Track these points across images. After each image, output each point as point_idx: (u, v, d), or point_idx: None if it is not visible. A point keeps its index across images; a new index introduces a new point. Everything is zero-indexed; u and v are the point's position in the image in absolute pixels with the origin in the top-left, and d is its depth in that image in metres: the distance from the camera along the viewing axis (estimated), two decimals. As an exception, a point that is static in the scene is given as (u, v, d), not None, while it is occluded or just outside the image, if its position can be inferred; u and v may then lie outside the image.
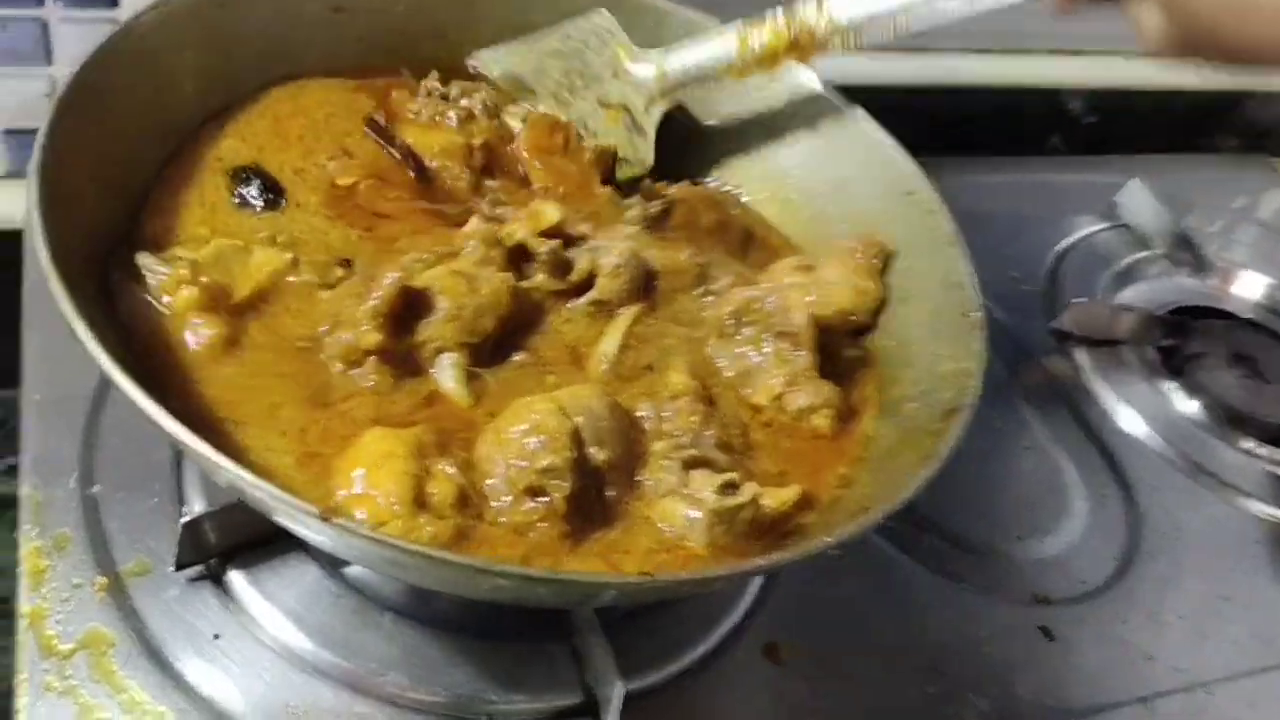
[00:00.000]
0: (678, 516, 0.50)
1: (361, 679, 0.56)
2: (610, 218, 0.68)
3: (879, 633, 0.66)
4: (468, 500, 0.48)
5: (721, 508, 0.50)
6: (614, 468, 0.50)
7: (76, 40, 0.76)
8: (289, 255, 0.57)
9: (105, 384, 0.64)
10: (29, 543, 0.57)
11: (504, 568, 0.43)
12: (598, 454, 0.50)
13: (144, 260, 0.54)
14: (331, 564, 0.60)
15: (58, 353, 0.65)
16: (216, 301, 0.53)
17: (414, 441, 0.48)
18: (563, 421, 0.49)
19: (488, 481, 0.49)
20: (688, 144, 0.76)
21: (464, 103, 0.69)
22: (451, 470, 0.47)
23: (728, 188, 0.76)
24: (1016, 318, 0.93)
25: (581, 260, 0.59)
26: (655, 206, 0.69)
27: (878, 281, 0.66)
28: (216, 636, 0.56)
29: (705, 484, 0.51)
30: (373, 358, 0.50)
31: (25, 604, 0.54)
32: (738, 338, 0.61)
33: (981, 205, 1.04)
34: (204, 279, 0.53)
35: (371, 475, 0.47)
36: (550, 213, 0.60)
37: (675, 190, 0.71)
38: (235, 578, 0.58)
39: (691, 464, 0.52)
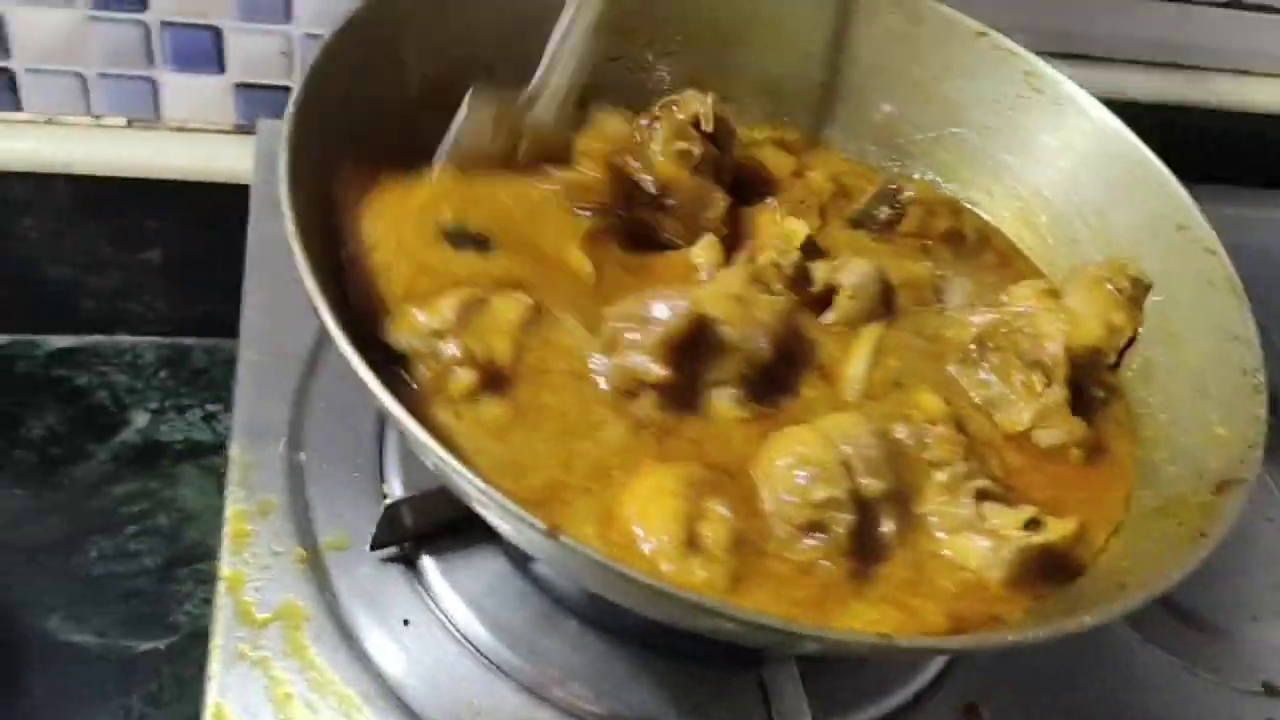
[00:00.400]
0: (978, 554, 0.46)
1: (542, 684, 0.55)
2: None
3: (1089, 705, 0.61)
4: (743, 541, 0.45)
5: (1028, 544, 0.46)
6: (889, 499, 0.46)
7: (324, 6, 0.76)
8: (527, 299, 0.51)
9: (319, 347, 0.64)
10: (235, 505, 0.57)
11: (728, 609, 0.40)
12: (871, 485, 0.46)
13: (407, 341, 0.49)
14: (521, 559, 0.58)
15: (276, 313, 0.65)
16: (490, 377, 0.48)
17: (687, 478, 0.45)
18: (830, 451, 0.45)
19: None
20: (923, 149, 0.71)
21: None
22: (725, 511, 0.44)
23: (967, 203, 0.71)
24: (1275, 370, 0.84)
25: (819, 272, 0.55)
26: (885, 212, 0.65)
27: (1132, 316, 0.60)
28: (406, 622, 0.55)
29: (1006, 519, 0.47)
30: (653, 392, 0.47)
31: (226, 567, 0.54)
32: (984, 363, 0.56)
33: (1258, 242, 0.95)
34: (474, 353, 0.48)
35: (643, 512, 0.44)
36: (799, 229, 0.56)
37: (912, 192, 0.66)
38: (428, 563, 0.57)
39: (982, 496, 0.48)
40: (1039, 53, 0.69)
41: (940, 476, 0.48)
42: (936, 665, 0.60)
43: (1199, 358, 0.58)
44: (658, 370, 0.47)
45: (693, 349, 0.48)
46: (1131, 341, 0.60)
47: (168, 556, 0.80)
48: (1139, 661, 0.64)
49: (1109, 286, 0.60)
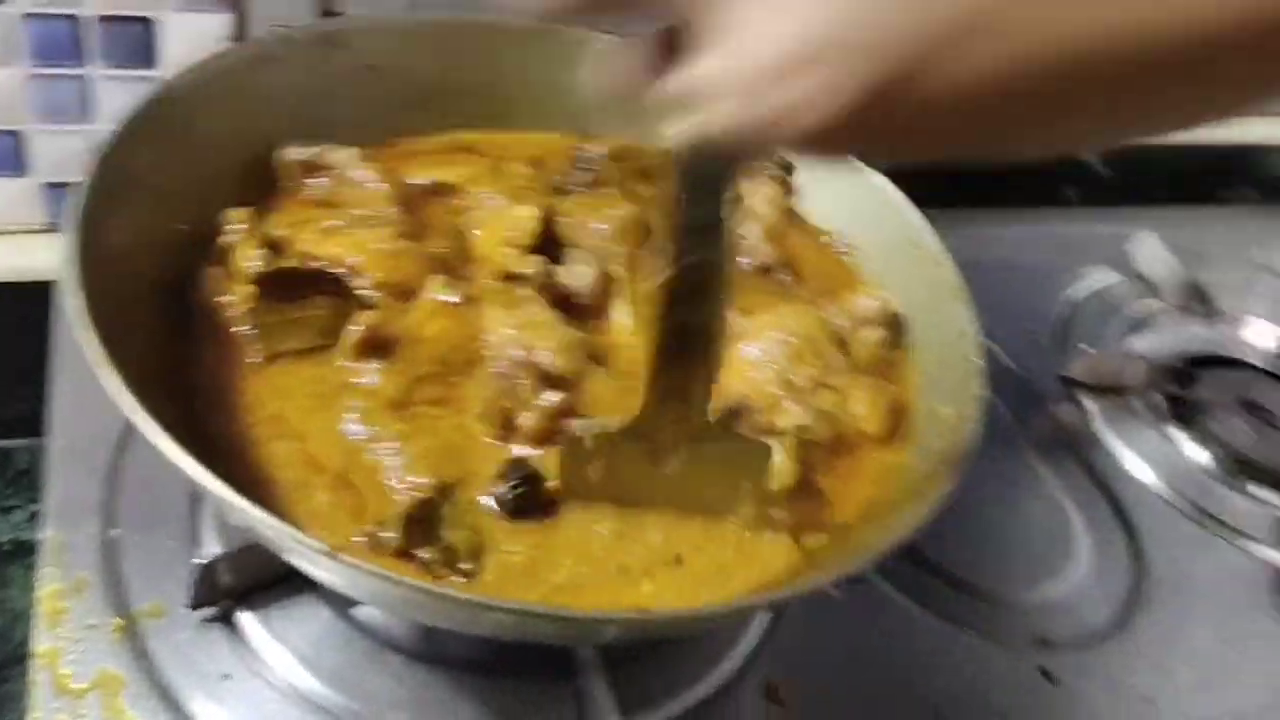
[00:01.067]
0: None
1: (368, 718, 0.58)
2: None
3: (881, 676, 0.67)
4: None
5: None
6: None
7: (117, 98, 0.79)
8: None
9: (128, 430, 0.66)
10: (48, 585, 0.58)
11: (506, 603, 0.45)
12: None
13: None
14: (342, 605, 0.61)
15: (84, 400, 0.67)
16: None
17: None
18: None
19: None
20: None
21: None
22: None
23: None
24: (1026, 366, 0.93)
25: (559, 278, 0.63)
26: (583, 176, 0.72)
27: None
28: (226, 677, 0.57)
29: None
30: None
31: (42, 643, 0.56)
32: None
33: (996, 256, 1.06)
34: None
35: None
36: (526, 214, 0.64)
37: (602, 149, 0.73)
38: (246, 619, 0.60)
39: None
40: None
41: None
42: (741, 652, 0.65)
43: (936, 355, 0.66)
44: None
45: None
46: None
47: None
48: (922, 631, 0.70)
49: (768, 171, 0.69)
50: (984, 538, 0.77)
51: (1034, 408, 0.90)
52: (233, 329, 0.58)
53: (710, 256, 0.47)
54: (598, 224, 0.66)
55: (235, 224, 0.61)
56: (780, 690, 0.64)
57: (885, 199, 0.73)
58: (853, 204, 0.74)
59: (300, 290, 0.58)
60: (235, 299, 0.58)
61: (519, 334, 0.58)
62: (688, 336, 0.49)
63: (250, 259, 0.58)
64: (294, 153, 0.67)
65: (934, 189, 0.90)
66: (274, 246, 0.60)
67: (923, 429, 0.62)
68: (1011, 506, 0.81)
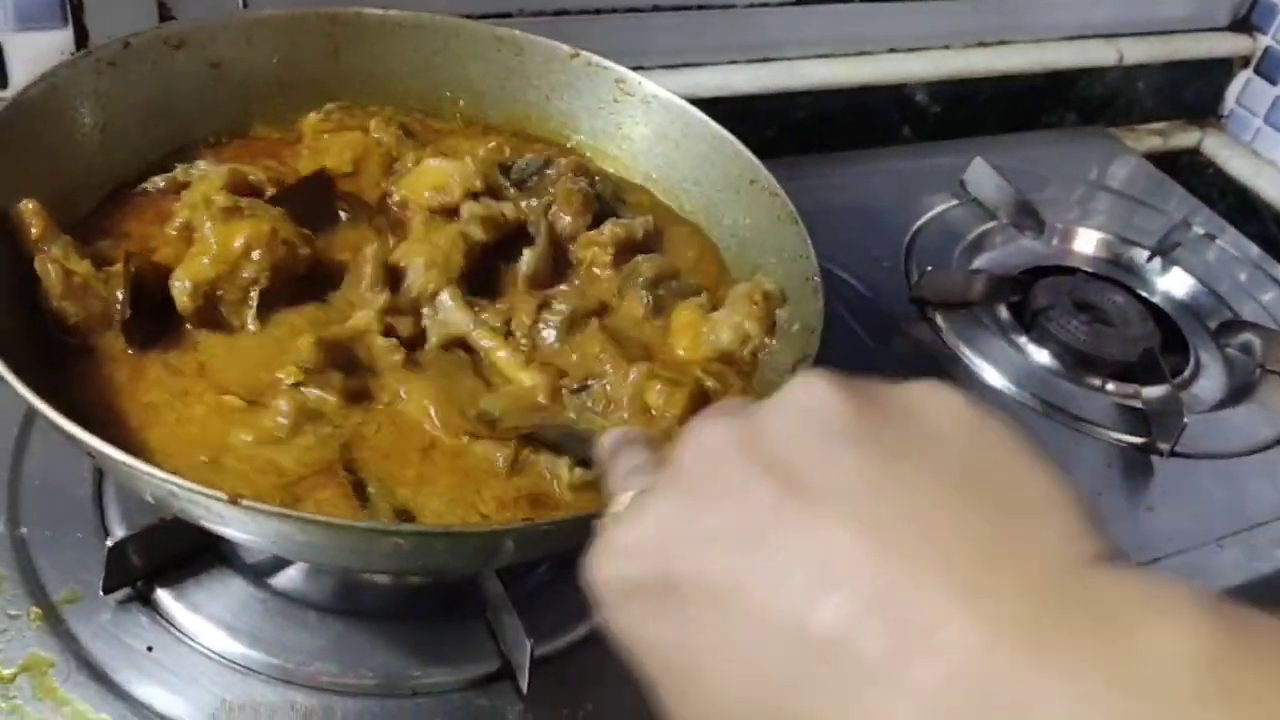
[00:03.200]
0: None
1: (292, 671, 0.61)
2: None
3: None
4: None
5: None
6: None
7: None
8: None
9: (25, 433, 0.68)
10: (-37, 584, 0.60)
11: (401, 527, 0.49)
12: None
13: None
14: (255, 574, 0.64)
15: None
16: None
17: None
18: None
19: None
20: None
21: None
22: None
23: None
24: (880, 292, 1.00)
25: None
26: (535, 176, 0.77)
27: (762, 325, 0.69)
28: (150, 649, 0.60)
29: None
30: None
31: (-36, 638, 0.58)
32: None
33: (842, 197, 1.14)
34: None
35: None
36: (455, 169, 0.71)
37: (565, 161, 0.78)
38: (163, 596, 0.62)
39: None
40: (640, 68, 0.83)
41: None
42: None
43: (778, 279, 0.71)
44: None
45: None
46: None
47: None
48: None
49: (749, 302, 0.70)
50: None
51: (891, 329, 0.97)
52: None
53: None
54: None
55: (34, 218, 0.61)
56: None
57: (724, 144, 0.78)
58: (693, 152, 0.80)
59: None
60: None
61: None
62: None
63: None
64: (154, 182, 0.70)
65: (774, 138, 0.97)
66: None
67: (773, 350, 0.68)
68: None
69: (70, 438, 0.47)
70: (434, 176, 0.71)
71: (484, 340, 0.64)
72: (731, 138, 0.78)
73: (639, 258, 0.73)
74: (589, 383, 0.63)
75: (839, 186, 1.13)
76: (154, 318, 0.60)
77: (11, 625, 0.59)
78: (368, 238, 0.69)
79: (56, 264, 0.58)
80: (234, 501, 0.46)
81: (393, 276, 0.66)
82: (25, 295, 0.59)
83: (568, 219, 0.73)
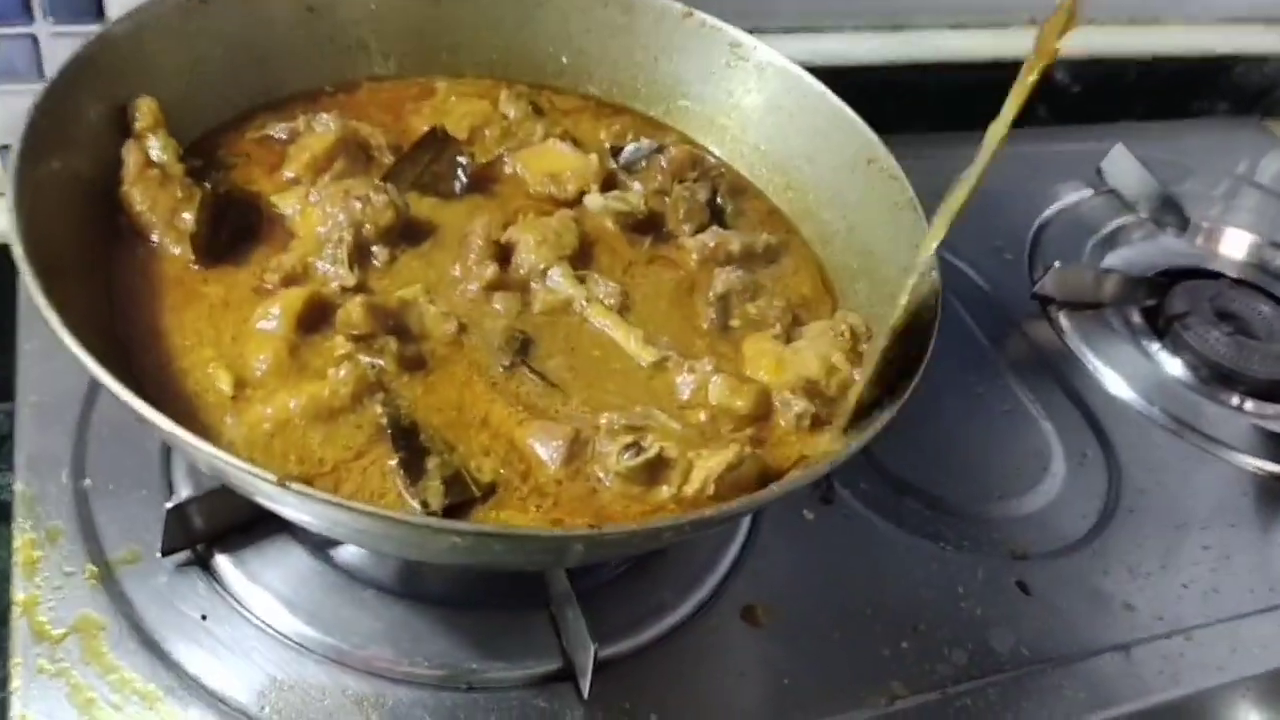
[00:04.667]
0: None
1: (346, 653, 0.58)
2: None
3: (857, 593, 0.67)
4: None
5: (624, 468, 0.53)
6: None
7: (66, 54, 0.78)
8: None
9: (96, 385, 0.66)
10: (22, 535, 0.59)
11: (459, 525, 0.45)
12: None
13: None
14: (317, 544, 0.62)
15: (52, 357, 0.68)
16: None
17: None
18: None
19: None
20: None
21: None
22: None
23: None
24: (1000, 286, 0.93)
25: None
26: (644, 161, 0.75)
27: (849, 358, 0.63)
28: (204, 618, 0.58)
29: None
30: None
31: (19, 593, 0.56)
32: None
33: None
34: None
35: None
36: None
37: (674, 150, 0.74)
38: (222, 562, 0.60)
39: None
40: (756, 30, 0.77)
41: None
42: (717, 576, 0.66)
43: (893, 268, 0.65)
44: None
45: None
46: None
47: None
48: (902, 551, 0.71)
49: (833, 334, 0.64)
50: (961, 458, 0.78)
51: (1009, 327, 0.90)
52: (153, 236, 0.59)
53: None
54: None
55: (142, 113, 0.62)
56: (758, 612, 0.65)
57: (842, 119, 0.72)
58: (808, 126, 0.74)
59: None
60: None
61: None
62: None
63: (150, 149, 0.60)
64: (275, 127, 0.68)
65: (897, 113, 0.90)
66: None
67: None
68: (987, 425, 0.81)
69: (133, 412, 0.44)
70: (554, 162, 0.70)
71: (597, 317, 0.62)
72: (851, 113, 0.72)
73: (720, 271, 0.67)
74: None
75: (962, 168, 1.05)
76: (227, 241, 0.60)
77: (66, 583, 0.58)
78: (480, 207, 0.67)
79: (140, 151, 0.59)
80: (282, 484, 0.43)
81: (502, 252, 0.63)
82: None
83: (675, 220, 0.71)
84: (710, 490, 0.52)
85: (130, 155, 0.59)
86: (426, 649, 0.59)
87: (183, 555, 0.60)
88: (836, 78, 0.75)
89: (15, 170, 0.52)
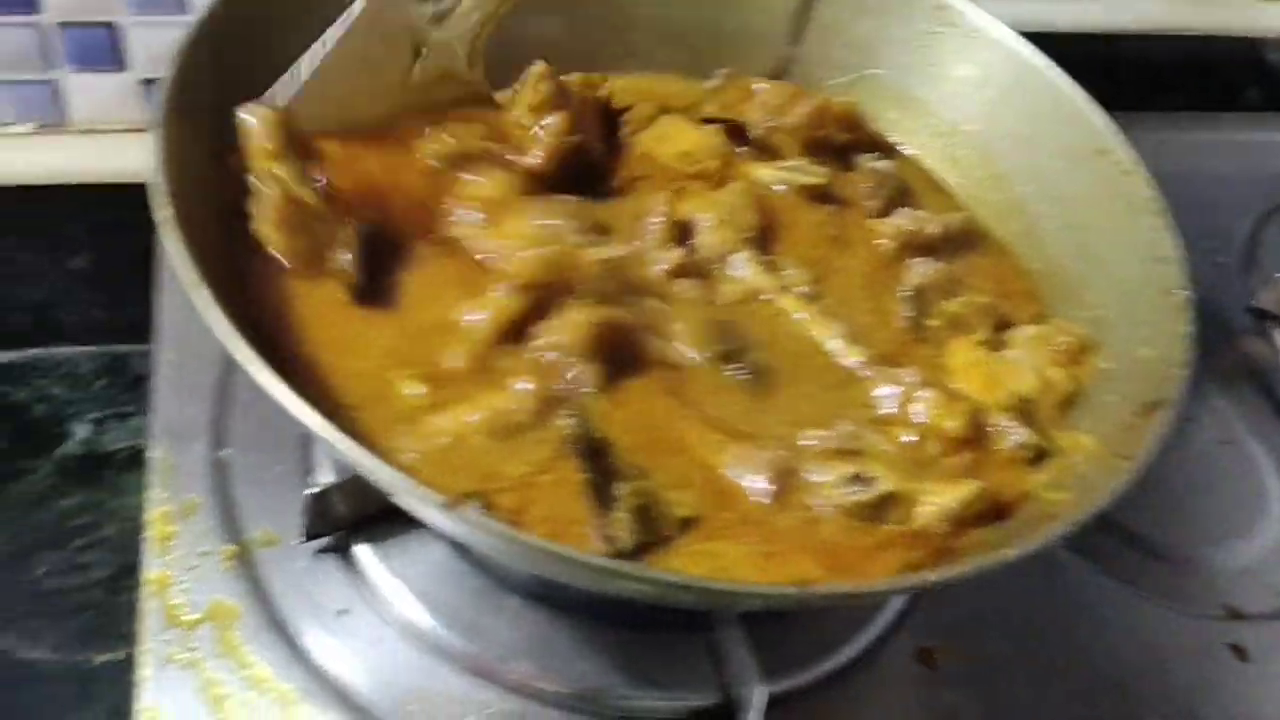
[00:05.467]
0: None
1: (487, 664, 0.54)
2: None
3: (1046, 642, 0.60)
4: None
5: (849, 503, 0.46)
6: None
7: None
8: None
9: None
10: (156, 507, 0.55)
11: (644, 572, 0.40)
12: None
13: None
14: (462, 544, 0.57)
15: (192, 310, 0.63)
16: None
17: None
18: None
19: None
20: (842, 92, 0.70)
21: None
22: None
23: (895, 143, 0.70)
24: (1209, 294, 0.82)
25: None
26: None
27: (1070, 374, 0.56)
28: (342, 612, 0.54)
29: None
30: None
31: (151, 570, 0.53)
32: None
33: (1169, 166, 0.94)
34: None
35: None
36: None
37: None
38: (362, 551, 0.56)
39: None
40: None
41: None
42: (891, 613, 0.59)
43: (1123, 280, 0.57)
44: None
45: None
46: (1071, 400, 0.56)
47: (118, 566, 0.78)
48: (1098, 595, 0.63)
49: (1047, 346, 0.57)
50: (1165, 490, 0.69)
51: (1219, 342, 0.81)
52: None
53: None
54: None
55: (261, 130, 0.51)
56: (935, 654, 0.58)
57: (1064, 100, 0.64)
58: (1024, 106, 0.65)
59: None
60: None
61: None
62: None
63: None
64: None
65: (1095, 89, 0.80)
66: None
67: (1114, 375, 0.54)
68: (1195, 454, 0.73)
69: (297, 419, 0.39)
70: (679, 140, 0.63)
71: (795, 312, 0.56)
72: (1076, 91, 0.64)
73: (914, 261, 0.60)
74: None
75: (1166, 157, 0.94)
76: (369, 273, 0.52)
77: (202, 563, 0.54)
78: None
79: (276, 186, 0.49)
80: (452, 508, 0.37)
81: (682, 233, 0.57)
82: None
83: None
84: (944, 529, 0.47)
85: (262, 190, 0.50)
86: (572, 668, 0.54)
87: (322, 541, 0.56)
88: (1051, 47, 0.66)
89: (164, 108, 0.47)
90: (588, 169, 0.59)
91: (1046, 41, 0.92)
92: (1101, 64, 0.97)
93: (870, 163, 0.65)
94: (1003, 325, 0.59)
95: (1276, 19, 1.03)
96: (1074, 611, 0.62)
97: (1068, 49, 0.94)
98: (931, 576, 0.42)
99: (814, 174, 0.63)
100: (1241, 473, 0.72)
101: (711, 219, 0.57)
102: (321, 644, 0.53)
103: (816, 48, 0.70)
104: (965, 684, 0.58)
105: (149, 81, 0.77)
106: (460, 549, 0.57)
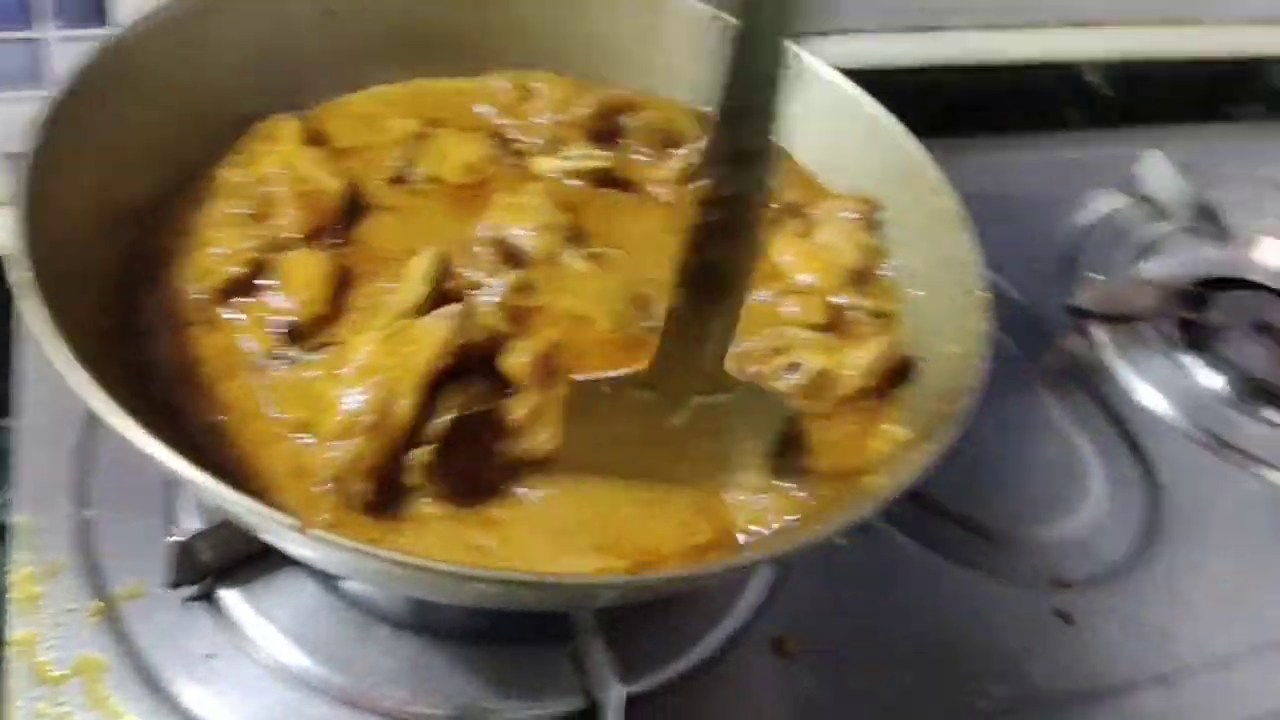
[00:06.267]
0: None
1: (359, 694, 0.56)
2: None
3: (892, 623, 0.65)
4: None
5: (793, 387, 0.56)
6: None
7: (71, 60, 0.75)
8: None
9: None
10: (21, 569, 0.56)
11: (486, 573, 0.42)
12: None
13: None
14: (327, 578, 0.59)
15: (52, 378, 0.64)
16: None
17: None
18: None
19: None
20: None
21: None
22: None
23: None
24: (1033, 298, 0.90)
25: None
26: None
27: (875, 234, 0.66)
28: (210, 657, 0.55)
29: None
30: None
31: (17, 630, 0.54)
32: None
33: (998, 185, 1.02)
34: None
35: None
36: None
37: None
38: (229, 596, 0.57)
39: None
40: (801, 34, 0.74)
41: None
42: (746, 607, 0.63)
43: (933, 285, 0.63)
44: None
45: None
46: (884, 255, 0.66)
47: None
48: (937, 578, 0.68)
49: (845, 215, 0.66)
50: (994, 477, 0.75)
51: (1042, 341, 0.87)
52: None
53: (746, 190, 0.44)
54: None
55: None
56: (788, 644, 0.62)
57: (880, 128, 0.69)
58: (846, 135, 0.71)
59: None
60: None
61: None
62: (712, 276, 0.45)
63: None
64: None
65: (927, 118, 0.86)
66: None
67: (925, 370, 0.59)
68: (1022, 444, 0.78)
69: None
70: (458, 152, 0.66)
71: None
72: (892, 121, 0.69)
73: None
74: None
75: (993, 175, 1.01)
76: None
77: (68, 620, 0.55)
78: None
79: None
80: (303, 530, 0.40)
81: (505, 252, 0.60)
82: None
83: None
84: (872, 383, 0.56)
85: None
86: (443, 688, 0.56)
87: (188, 590, 0.57)
88: (860, 80, 0.72)
89: (24, 178, 0.49)
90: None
91: (883, 76, 1.00)
92: (934, 94, 1.05)
93: (632, 121, 0.70)
94: (800, 213, 0.67)
95: (1092, 43, 1.12)
96: (914, 593, 0.66)
97: (904, 80, 1.02)
98: (754, 555, 0.45)
99: (599, 158, 0.67)
100: (1065, 458, 0.78)
101: (530, 228, 0.60)
102: (190, 690, 0.54)
103: (660, 88, 0.75)
104: (818, 671, 0.61)
105: (9, 156, 0.78)
106: (329, 584, 0.59)
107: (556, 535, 0.49)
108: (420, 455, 0.47)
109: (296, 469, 0.48)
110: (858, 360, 0.57)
